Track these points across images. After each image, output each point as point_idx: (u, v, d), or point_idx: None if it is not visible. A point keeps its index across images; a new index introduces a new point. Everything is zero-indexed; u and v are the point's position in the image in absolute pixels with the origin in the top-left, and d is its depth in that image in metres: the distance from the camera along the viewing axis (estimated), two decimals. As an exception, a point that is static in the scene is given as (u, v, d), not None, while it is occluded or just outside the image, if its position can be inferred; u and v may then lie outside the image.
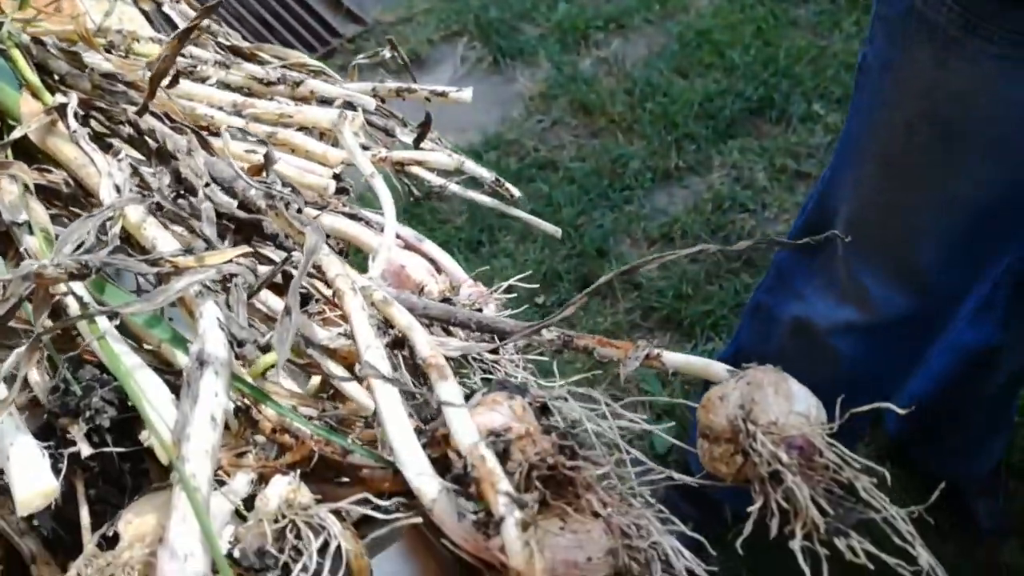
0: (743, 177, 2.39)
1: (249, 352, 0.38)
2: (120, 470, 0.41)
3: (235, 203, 0.49)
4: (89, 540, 0.38)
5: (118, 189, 0.44)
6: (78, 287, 0.40)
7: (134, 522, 0.37)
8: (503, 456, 0.36)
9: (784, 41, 2.65)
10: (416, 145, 0.66)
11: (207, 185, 0.45)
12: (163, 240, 0.43)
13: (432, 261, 0.62)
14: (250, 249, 0.43)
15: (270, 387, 0.42)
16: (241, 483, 0.40)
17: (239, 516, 0.41)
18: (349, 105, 0.66)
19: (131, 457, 0.42)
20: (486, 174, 0.71)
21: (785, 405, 0.39)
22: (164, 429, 0.36)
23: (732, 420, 0.39)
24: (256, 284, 0.43)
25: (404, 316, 0.43)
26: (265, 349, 0.49)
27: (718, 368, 0.47)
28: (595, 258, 2.29)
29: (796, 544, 0.36)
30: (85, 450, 0.38)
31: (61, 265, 0.36)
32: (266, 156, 0.49)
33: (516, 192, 0.72)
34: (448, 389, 0.38)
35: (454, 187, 0.67)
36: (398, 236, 0.61)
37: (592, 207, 2.38)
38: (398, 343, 0.43)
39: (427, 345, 0.41)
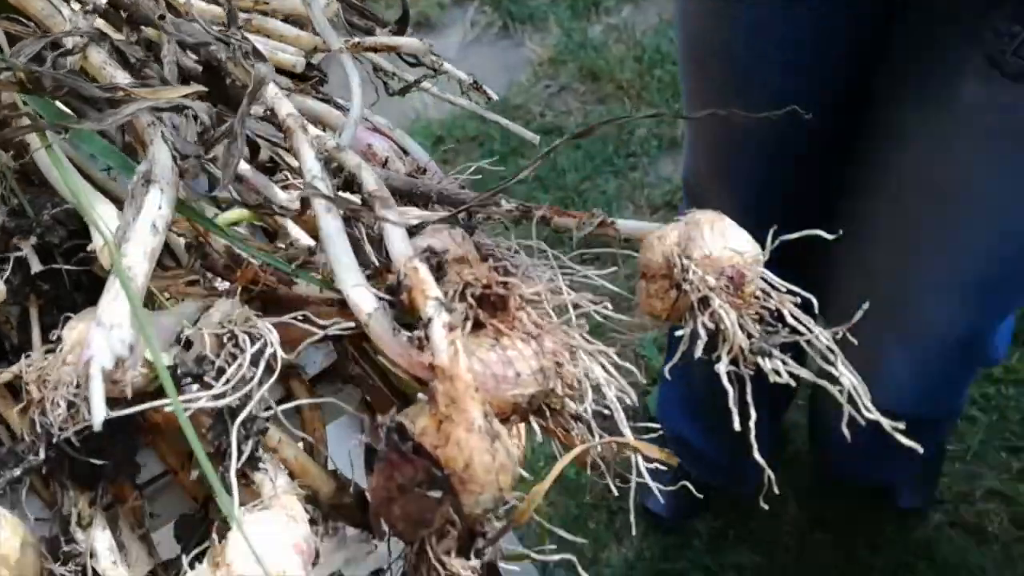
0: (748, 146, 2.39)
1: (192, 166, 0.39)
2: (74, 300, 0.42)
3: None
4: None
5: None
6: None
7: (77, 327, 0.38)
8: (437, 272, 0.37)
9: (795, 11, 2.62)
10: (399, 34, 0.67)
11: (163, 15, 0.46)
12: (122, 78, 0.44)
13: (403, 149, 0.63)
14: (205, 90, 0.44)
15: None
16: (189, 308, 0.41)
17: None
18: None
19: (87, 290, 0.43)
20: (463, 76, 0.72)
21: (720, 241, 0.39)
22: (108, 234, 0.38)
23: (667, 256, 0.40)
24: (213, 132, 0.44)
25: (352, 159, 0.44)
26: (228, 206, 0.50)
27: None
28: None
29: (722, 368, 0.37)
30: (35, 265, 0.39)
31: (11, 68, 0.37)
32: (228, 11, 0.50)
33: (493, 95, 0.73)
34: (389, 212, 0.39)
35: (427, 84, 0.68)
36: (369, 121, 0.62)
37: (597, 173, 2.38)
38: (347, 185, 0.44)
39: (374, 181, 0.42)
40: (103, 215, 0.39)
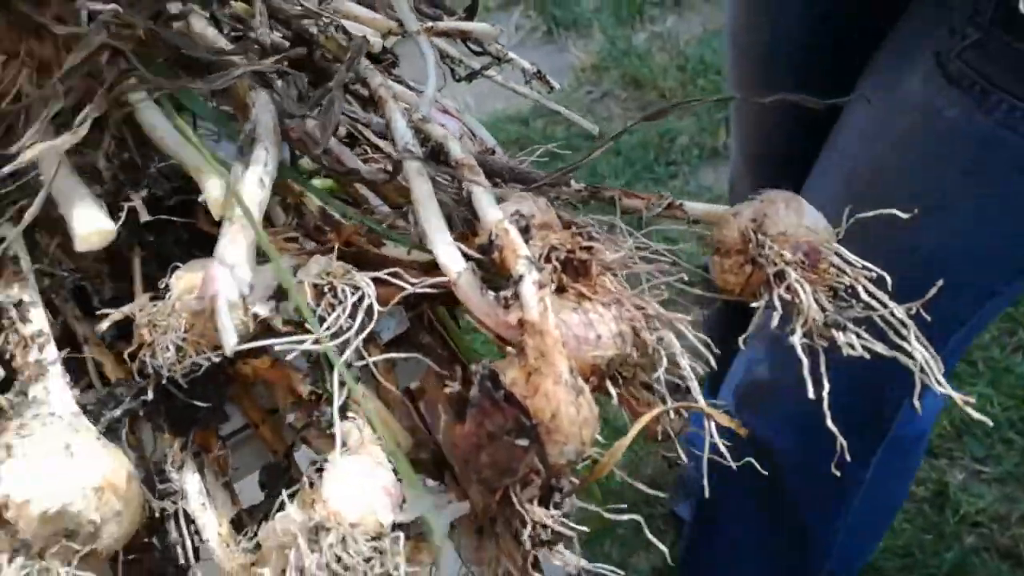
0: (790, 157, 2.38)
1: (297, 126, 0.42)
2: (173, 253, 0.45)
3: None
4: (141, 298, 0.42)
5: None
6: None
7: (184, 276, 0.40)
8: (524, 235, 0.39)
9: (841, 25, 2.62)
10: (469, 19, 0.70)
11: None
12: (223, 44, 0.46)
13: (471, 132, 0.65)
14: (304, 53, 0.46)
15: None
16: (287, 263, 0.43)
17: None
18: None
19: (185, 244, 0.45)
20: (527, 65, 0.74)
21: (795, 219, 0.40)
22: (217, 188, 0.40)
23: (743, 231, 0.41)
24: (307, 99, 0.46)
25: (439, 130, 0.46)
26: (313, 175, 0.52)
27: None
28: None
29: (796, 340, 0.38)
30: (144, 215, 0.42)
31: (131, 25, 0.40)
32: (321, -13, 0.52)
33: (555, 84, 0.75)
34: (478, 179, 0.41)
35: (492, 72, 0.70)
36: (439, 102, 0.64)
37: (637, 180, 2.39)
38: (434, 155, 0.46)
39: (460, 150, 0.44)
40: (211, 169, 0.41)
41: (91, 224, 0.38)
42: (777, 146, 1.12)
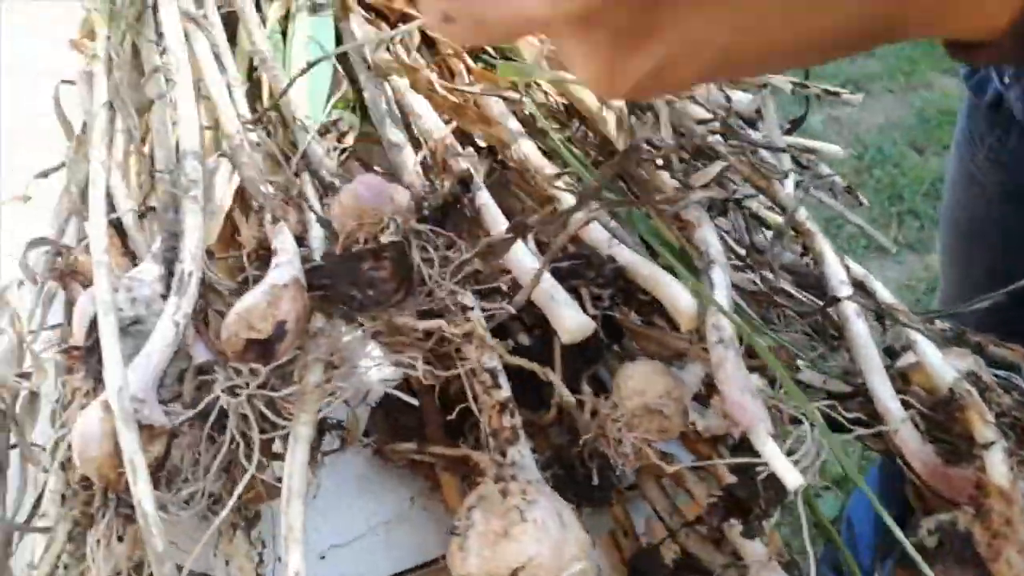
0: (964, 264, 2.31)
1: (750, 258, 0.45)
2: (592, 342, 0.48)
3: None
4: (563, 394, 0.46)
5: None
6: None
7: (635, 377, 0.44)
8: (982, 395, 0.41)
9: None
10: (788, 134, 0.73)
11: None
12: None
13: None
14: (728, 164, 0.50)
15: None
16: (697, 370, 0.46)
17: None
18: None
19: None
20: (839, 180, 0.76)
21: None
22: (689, 304, 0.43)
23: None
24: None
25: (860, 268, 0.49)
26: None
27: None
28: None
29: None
30: (590, 308, 0.46)
31: (662, 148, 0.44)
32: (723, 118, 0.56)
33: (864, 201, 0.77)
34: (918, 327, 0.43)
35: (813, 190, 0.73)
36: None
37: (797, 261, 2.37)
38: (857, 285, 0.48)
39: (888, 293, 0.47)
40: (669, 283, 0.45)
41: (576, 322, 0.42)
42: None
